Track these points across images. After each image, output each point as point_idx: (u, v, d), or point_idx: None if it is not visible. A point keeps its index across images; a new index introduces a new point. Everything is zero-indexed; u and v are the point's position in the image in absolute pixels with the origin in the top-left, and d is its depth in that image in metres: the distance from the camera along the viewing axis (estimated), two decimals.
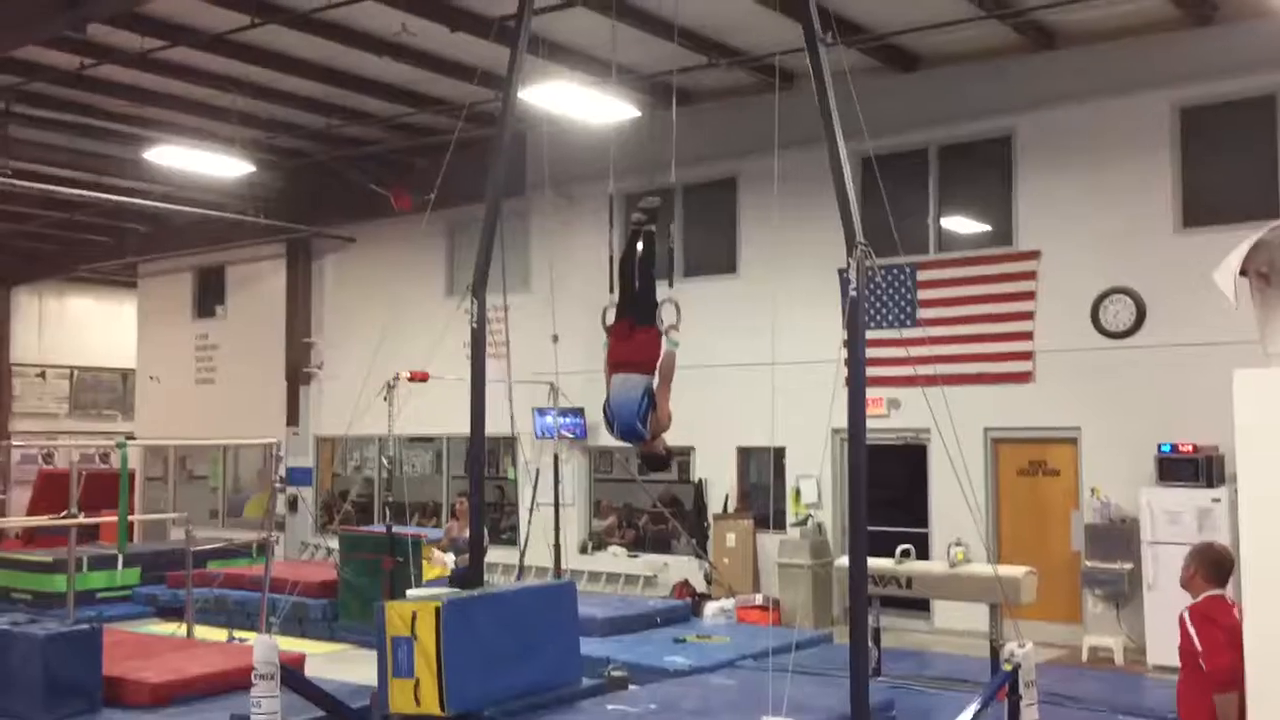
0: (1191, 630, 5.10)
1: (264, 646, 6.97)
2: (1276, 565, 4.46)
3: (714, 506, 14.19)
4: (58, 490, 16.35)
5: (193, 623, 11.36)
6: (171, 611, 13.15)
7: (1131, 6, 10.97)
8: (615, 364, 6.91)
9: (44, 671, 7.99)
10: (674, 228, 14.58)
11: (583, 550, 15.41)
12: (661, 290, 7.07)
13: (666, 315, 6.93)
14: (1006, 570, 9.13)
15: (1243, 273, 4.76)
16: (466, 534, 10.44)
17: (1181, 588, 5.49)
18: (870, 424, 6.55)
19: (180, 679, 8.69)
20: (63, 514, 10.81)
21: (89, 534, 15.53)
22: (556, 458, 14.46)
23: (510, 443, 15.34)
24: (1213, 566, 5.30)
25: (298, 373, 18.59)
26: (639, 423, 6.70)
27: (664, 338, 6.89)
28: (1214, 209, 11.14)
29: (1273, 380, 4.64)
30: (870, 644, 8.18)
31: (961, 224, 13.25)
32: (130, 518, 11.66)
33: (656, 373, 6.80)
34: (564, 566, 14.20)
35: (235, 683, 8.26)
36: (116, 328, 24.55)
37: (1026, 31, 11.69)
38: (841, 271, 6.61)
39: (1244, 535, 4.68)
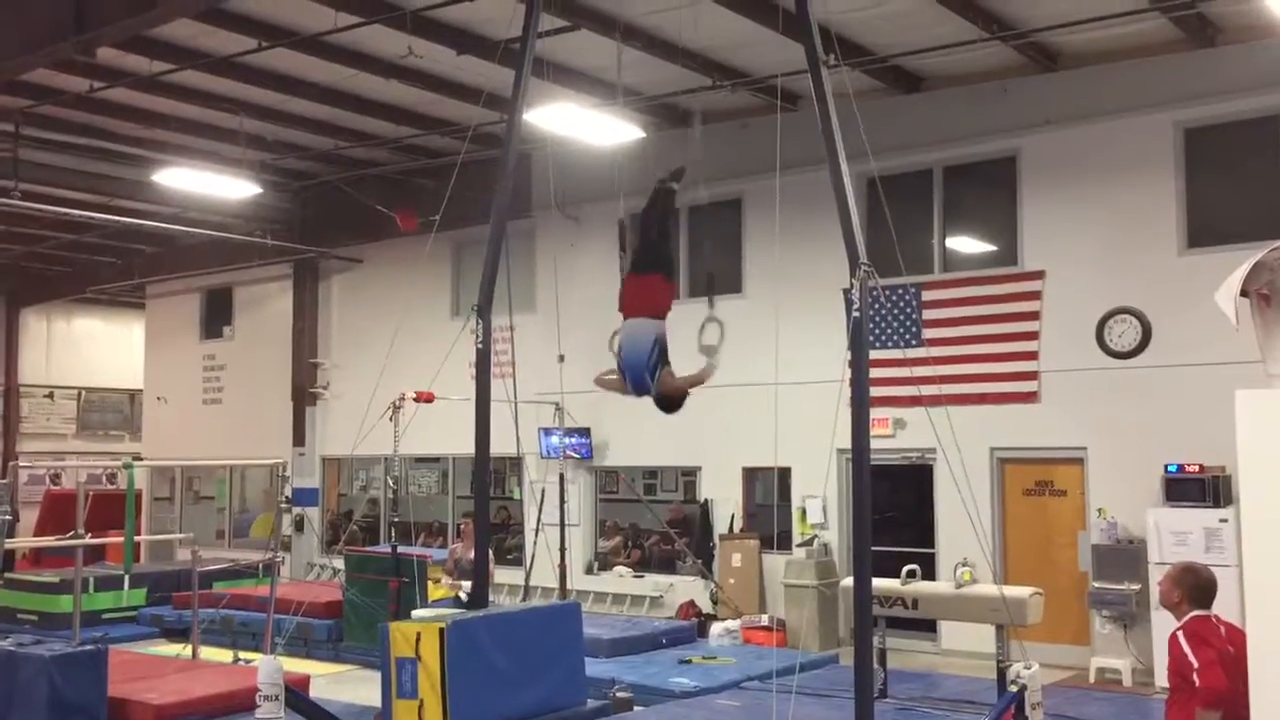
0: (1186, 649, 5.10)
1: (269, 667, 6.98)
2: (1278, 584, 4.45)
3: (720, 527, 14.17)
4: (64, 511, 16.36)
5: (198, 643, 11.36)
6: (177, 632, 13.16)
7: (1134, 28, 11.01)
8: (627, 310, 7.05)
9: (50, 692, 8.00)
10: (681, 248, 14.67)
11: (588, 571, 15.39)
12: (702, 310, 7.19)
13: (709, 336, 7.03)
14: (1012, 591, 9.10)
15: (1244, 294, 4.76)
16: (471, 555, 10.44)
17: (1163, 608, 5.49)
18: (876, 444, 6.56)
19: (185, 700, 8.71)
20: (69, 534, 10.82)
21: (95, 554, 15.53)
22: (562, 478, 14.46)
23: (516, 463, 15.37)
24: (1199, 590, 5.31)
25: (304, 393, 18.63)
26: (647, 374, 6.82)
27: (707, 360, 7.03)
28: (1218, 229, 11.14)
29: (1274, 400, 4.64)
30: (876, 665, 8.19)
31: (966, 244, 13.27)
32: (136, 538, 11.70)
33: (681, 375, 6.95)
34: (569, 587, 14.19)
35: (240, 704, 8.28)
36: (124, 349, 24.65)
37: (1030, 53, 11.74)
38: (846, 291, 6.62)
39: (1246, 555, 4.67)
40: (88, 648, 8.60)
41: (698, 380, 6.99)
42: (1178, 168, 11.53)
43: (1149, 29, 11.08)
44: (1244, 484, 4.79)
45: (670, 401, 7.06)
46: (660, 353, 6.88)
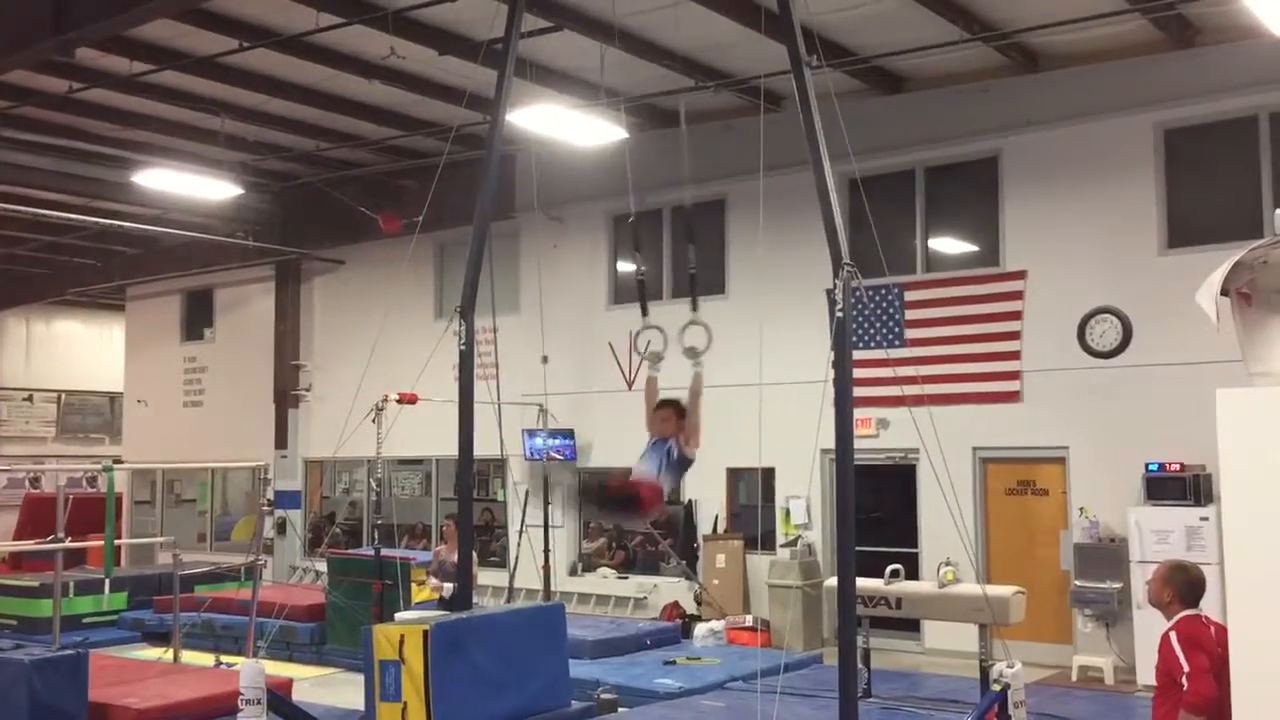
0: (1179, 651, 5.08)
1: (251, 671, 6.95)
2: (1260, 583, 4.48)
3: (704, 527, 14.17)
4: (44, 514, 16.24)
5: (180, 647, 11.28)
6: (158, 636, 13.08)
7: (1114, 29, 11.06)
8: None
9: (29, 697, 7.92)
10: (663, 249, 14.69)
11: (572, 572, 15.37)
12: (685, 311, 7.17)
13: (694, 338, 7.02)
14: (995, 590, 9.13)
15: (1224, 293, 4.79)
16: (455, 557, 10.41)
17: (1153, 606, 5.48)
18: (859, 444, 6.58)
19: (166, 705, 8.64)
20: (49, 538, 10.74)
21: (76, 558, 15.43)
22: (546, 479, 14.44)
23: (500, 464, 15.34)
24: (1189, 588, 5.29)
25: (286, 395, 18.55)
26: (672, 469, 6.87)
27: (693, 368, 7.00)
28: (1198, 230, 11.21)
29: (1255, 400, 4.67)
30: (860, 665, 8.20)
31: (948, 244, 13.32)
32: (117, 542, 11.60)
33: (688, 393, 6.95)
34: (553, 588, 14.18)
35: (222, 708, 8.22)
36: (104, 351, 24.50)
37: (1011, 54, 11.78)
38: (829, 292, 6.63)
39: (1228, 553, 4.70)
40: (68, 652, 8.52)
41: (695, 396, 6.99)
42: (1158, 168, 11.60)
43: (1129, 30, 11.14)
44: (1225, 482, 4.82)
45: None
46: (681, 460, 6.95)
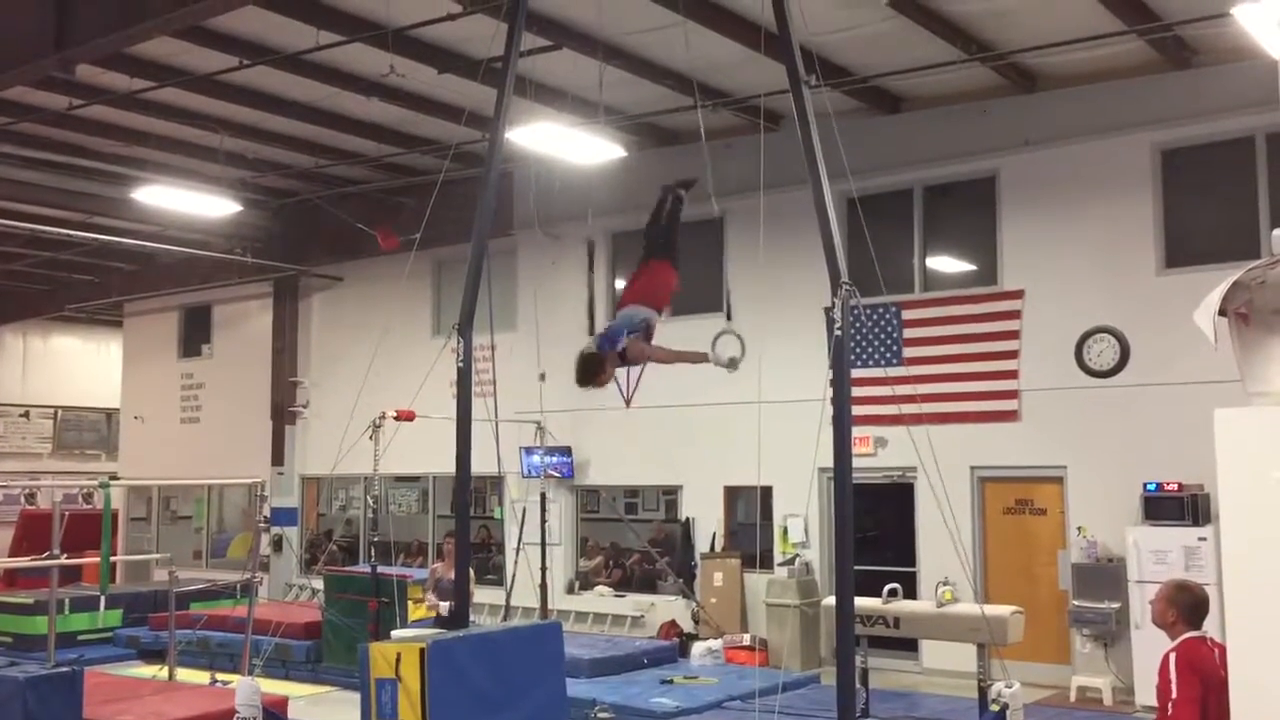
0: (1173, 675, 5.04)
1: (246, 689, 6.93)
2: (1259, 603, 4.47)
3: (701, 546, 14.14)
4: (40, 531, 16.21)
5: (175, 665, 11.24)
6: (154, 654, 13.03)
7: (1111, 50, 11.11)
8: (627, 297, 7.27)
9: (24, 715, 7.88)
10: None
11: (569, 590, 15.33)
12: (719, 322, 7.22)
13: (728, 348, 7.05)
14: (993, 610, 9.10)
15: (1222, 313, 4.79)
16: (452, 575, 10.38)
17: (1156, 626, 5.44)
18: (857, 463, 6.56)
19: None
20: (44, 555, 10.69)
21: (71, 575, 15.38)
22: (543, 497, 14.42)
23: (497, 482, 15.31)
24: (1193, 609, 5.24)
25: (283, 412, 18.53)
26: (624, 333, 6.84)
27: (709, 352, 7.03)
28: (1195, 250, 11.24)
29: (1253, 420, 4.66)
30: (858, 684, 8.16)
31: (946, 263, 13.34)
32: (113, 559, 11.55)
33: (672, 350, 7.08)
34: (550, 606, 14.13)
35: None
36: (101, 367, 24.48)
37: (1009, 74, 11.83)
38: (827, 310, 6.63)
39: (1226, 574, 4.69)
40: (63, 669, 8.48)
41: (682, 357, 7.01)
42: (1155, 188, 11.63)
43: (1126, 51, 11.18)
44: (1224, 502, 4.81)
45: (625, 362, 7.12)
46: (645, 329, 6.96)
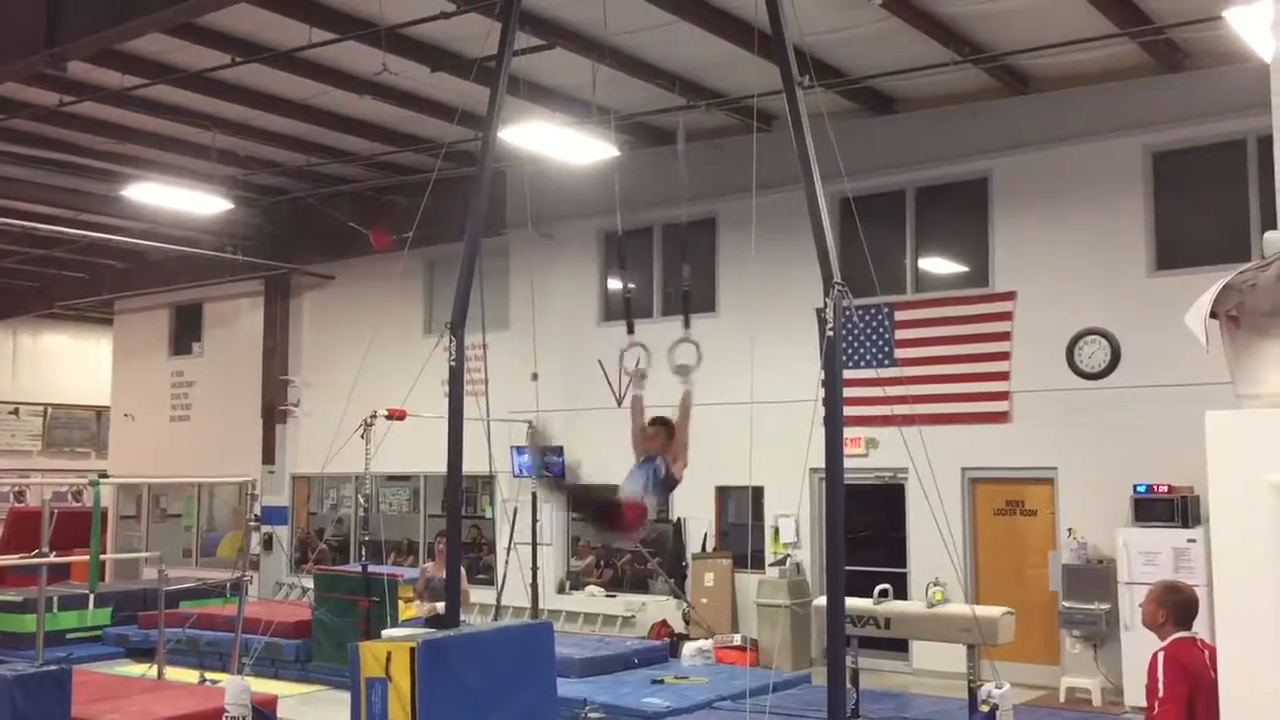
0: (1160, 674, 5.05)
1: (236, 688, 6.91)
2: (1248, 606, 4.46)
3: (692, 546, 14.14)
4: (29, 529, 16.14)
5: (164, 664, 11.20)
6: (143, 652, 12.97)
7: (1104, 52, 11.13)
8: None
9: (11, 713, 7.84)
10: (654, 266, 14.70)
11: (560, 590, 15.31)
12: (675, 329, 7.19)
13: (683, 355, 7.02)
14: (984, 611, 9.10)
15: (1213, 315, 4.78)
16: (443, 574, 10.36)
17: (1146, 628, 5.45)
18: (848, 463, 6.57)
19: None
20: (33, 553, 10.65)
21: (60, 573, 15.30)
22: (535, 496, 14.40)
23: (488, 481, 15.29)
24: (1183, 609, 5.26)
25: (274, 410, 18.50)
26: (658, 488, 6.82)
27: (682, 386, 7.00)
28: (1186, 252, 11.27)
29: (1244, 422, 4.66)
30: (848, 685, 8.17)
31: (938, 264, 13.36)
32: (102, 557, 11.53)
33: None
34: (541, 606, 14.12)
35: None
36: (91, 365, 24.42)
37: (1001, 76, 11.85)
38: (819, 311, 6.64)
39: (1216, 576, 4.68)
40: (51, 668, 8.43)
41: (684, 415, 7.00)
42: (1147, 190, 11.66)
43: (1118, 53, 11.21)
44: (1214, 505, 4.81)
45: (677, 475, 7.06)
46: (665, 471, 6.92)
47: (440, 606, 10.68)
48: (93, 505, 10.40)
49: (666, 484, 6.94)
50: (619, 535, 6.90)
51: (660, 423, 7.00)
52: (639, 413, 7.15)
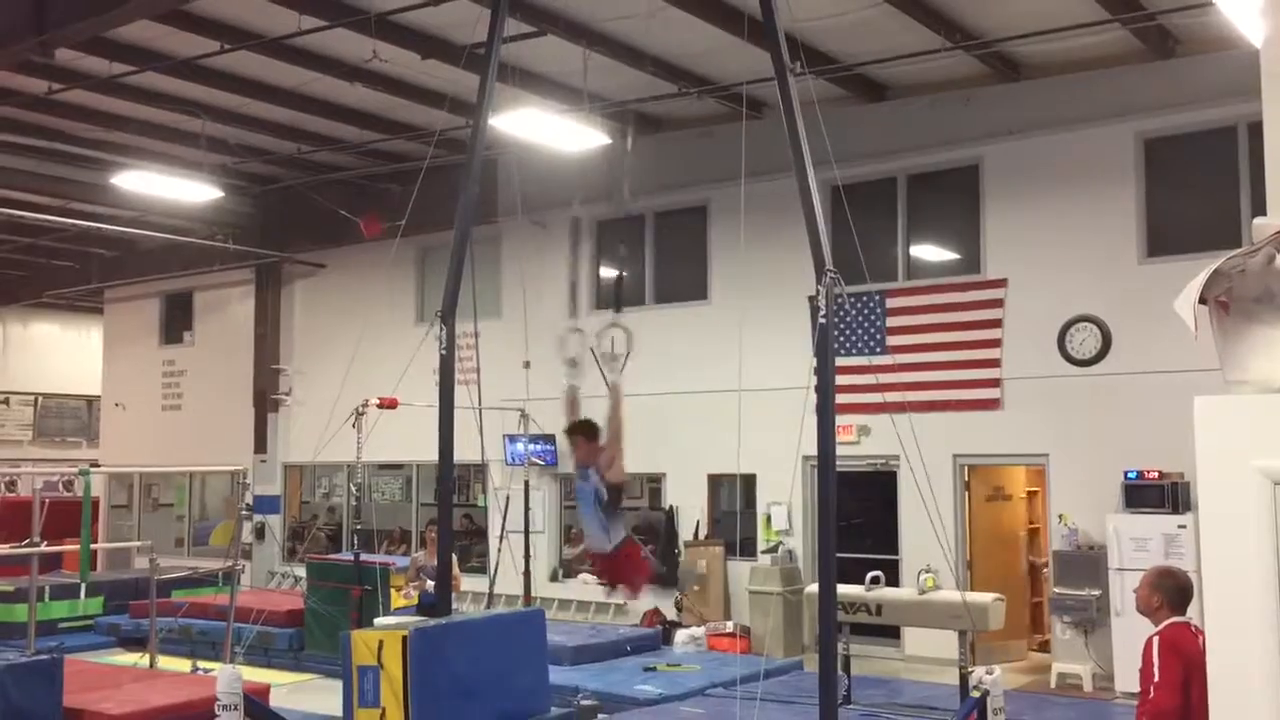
0: (1156, 658, 5.07)
1: (228, 677, 6.90)
2: (1237, 592, 4.48)
3: (685, 533, 14.16)
4: (20, 518, 16.08)
5: (156, 653, 11.19)
6: (134, 641, 12.98)
7: (1095, 39, 11.13)
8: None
9: (3, 703, 7.84)
10: (646, 254, 14.69)
11: (553, 578, 15.33)
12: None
13: (613, 343, 6.87)
14: (975, 597, 9.15)
15: (1203, 301, 4.80)
16: (434, 563, 10.36)
17: (1140, 613, 5.48)
18: (840, 451, 6.56)
19: (142, 710, 8.55)
20: (25, 542, 10.64)
21: (51, 563, 15.31)
22: (527, 485, 14.40)
23: (480, 470, 15.29)
24: (1177, 594, 5.28)
25: (266, 399, 18.46)
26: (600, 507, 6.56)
27: (609, 382, 6.77)
28: (1177, 238, 11.28)
29: (1232, 407, 4.68)
30: (840, 671, 8.19)
31: (930, 252, 13.36)
32: (94, 546, 11.51)
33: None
34: (533, 594, 14.13)
35: (198, 714, 8.13)
36: (82, 354, 24.33)
37: (993, 63, 11.84)
38: (811, 298, 6.63)
39: (1205, 562, 4.70)
40: (43, 657, 8.44)
41: (615, 409, 6.78)
42: (1138, 177, 11.67)
43: (1110, 40, 11.21)
44: (1203, 490, 4.83)
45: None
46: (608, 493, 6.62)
47: (430, 584, 10.71)
48: (84, 495, 10.39)
49: (612, 501, 6.48)
50: (630, 594, 6.66)
51: (579, 428, 6.63)
52: (573, 413, 6.81)
